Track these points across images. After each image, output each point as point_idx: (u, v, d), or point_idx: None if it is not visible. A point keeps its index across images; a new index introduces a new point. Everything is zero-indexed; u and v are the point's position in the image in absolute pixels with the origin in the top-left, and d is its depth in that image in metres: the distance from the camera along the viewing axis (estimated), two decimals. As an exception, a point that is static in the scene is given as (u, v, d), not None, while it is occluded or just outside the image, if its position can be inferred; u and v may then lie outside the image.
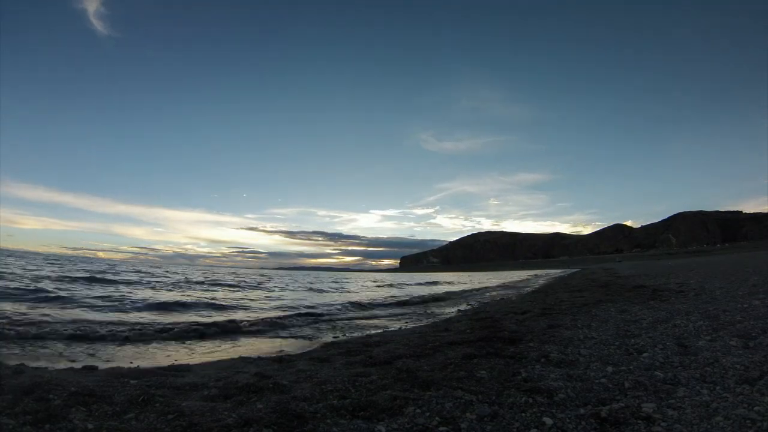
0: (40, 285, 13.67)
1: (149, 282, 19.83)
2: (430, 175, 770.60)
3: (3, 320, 7.23)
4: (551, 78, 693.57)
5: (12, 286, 12.57)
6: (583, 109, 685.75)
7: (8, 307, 9.00)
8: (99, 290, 14.11)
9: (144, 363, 4.92)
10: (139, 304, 10.92)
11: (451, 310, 11.38)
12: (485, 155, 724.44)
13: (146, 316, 9.28)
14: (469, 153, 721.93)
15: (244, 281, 26.20)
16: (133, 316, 9.14)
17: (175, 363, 4.79)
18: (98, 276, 19.82)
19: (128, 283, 18.49)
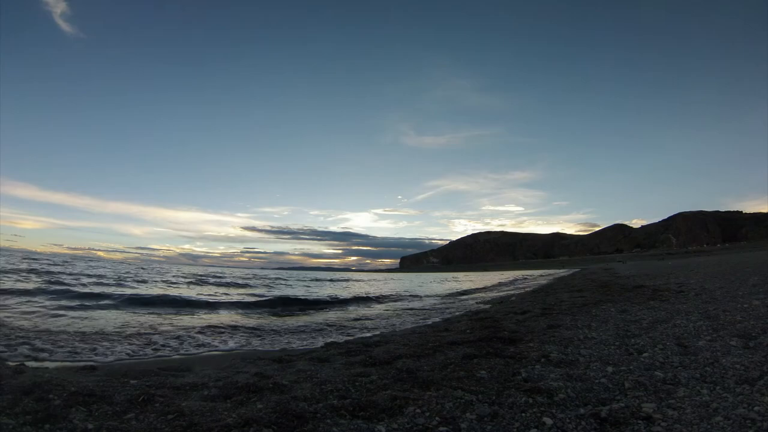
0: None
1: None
2: (418, 172, 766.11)
3: None
4: (531, 67, 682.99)
5: None
6: (573, 103, 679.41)
7: None
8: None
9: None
10: None
11: (451, 310, 11.37)
12: (472, 150, 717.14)
13: None
14: (454, 148, 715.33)
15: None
16: None
17: (175, 363, 4.79)
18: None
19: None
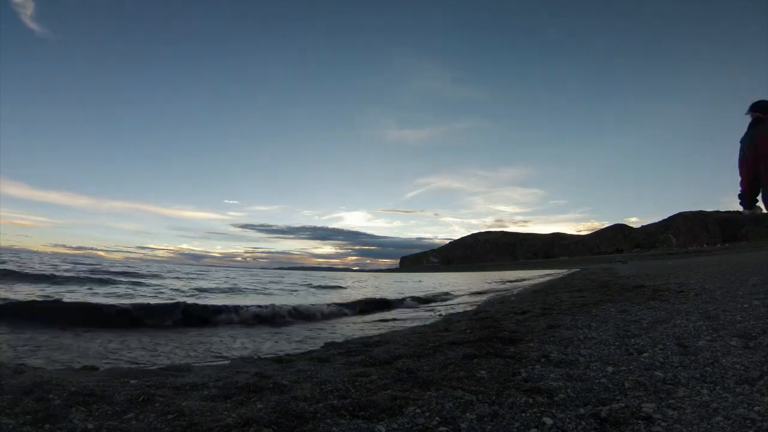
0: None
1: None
2: (407, 170, 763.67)
3: None
4: (512, 58, 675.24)
5: None
6: (564, 97, 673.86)
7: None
8: None
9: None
10: None
11: (450, 311, 11.37)
12: (458, 145, 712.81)
13: None
14: (437, 142, 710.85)
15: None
16: None
17: (175, 363, 4.79)
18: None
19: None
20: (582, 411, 2.56)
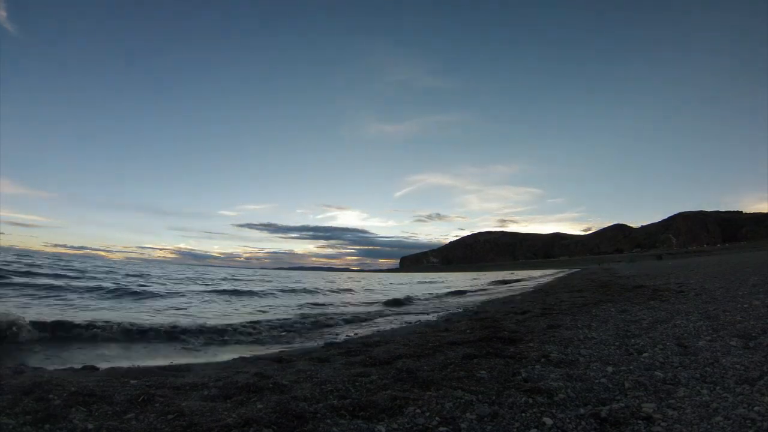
0: None
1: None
2: (395, 167, 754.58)
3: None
4: (491, 50, 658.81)
5: None
6: (557, 91, 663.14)
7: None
8: None
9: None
10: None
11: (450, 310, 11.37)
12: (447, 141, 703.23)
13: None
14: (425, 138, 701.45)
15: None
16: None
17: (175, 363, 4.79)
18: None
19: None
20: (582, 411, 2.56)
